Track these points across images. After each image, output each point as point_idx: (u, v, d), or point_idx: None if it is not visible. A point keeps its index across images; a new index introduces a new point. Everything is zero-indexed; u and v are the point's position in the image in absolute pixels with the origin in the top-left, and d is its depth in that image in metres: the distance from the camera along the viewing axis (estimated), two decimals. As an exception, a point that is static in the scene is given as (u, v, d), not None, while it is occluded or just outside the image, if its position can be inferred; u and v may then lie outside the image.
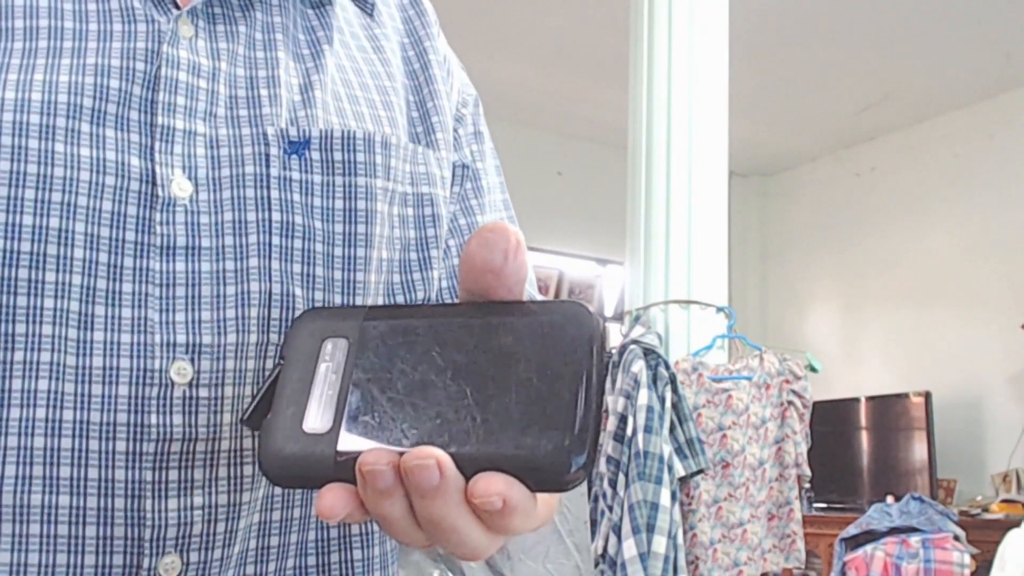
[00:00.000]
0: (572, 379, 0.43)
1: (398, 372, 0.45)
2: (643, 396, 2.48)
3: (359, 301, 0.62)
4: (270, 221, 0.59)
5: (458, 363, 0.44)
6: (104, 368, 0.54)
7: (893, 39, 4.80)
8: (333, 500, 0.42)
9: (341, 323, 0.48)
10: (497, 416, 0.42)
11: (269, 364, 0.58)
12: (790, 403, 2.79)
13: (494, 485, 0.41)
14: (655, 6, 3.18)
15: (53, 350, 0.54)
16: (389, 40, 0.71)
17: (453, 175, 0.71)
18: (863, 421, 5.49)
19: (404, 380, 0.45)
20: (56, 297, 0.54)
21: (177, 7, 0.60)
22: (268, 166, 0.59)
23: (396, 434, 0.43)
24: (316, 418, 0.45)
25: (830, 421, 5.20)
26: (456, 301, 0.49)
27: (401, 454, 0.41)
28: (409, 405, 0.44)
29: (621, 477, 2.49)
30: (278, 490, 0.59)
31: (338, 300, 0.61)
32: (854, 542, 3.68)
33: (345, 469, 0.43)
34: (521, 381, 0.43)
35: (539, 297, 0.75)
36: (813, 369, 2.89)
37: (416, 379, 0.44)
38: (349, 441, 0.44)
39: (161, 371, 0.55)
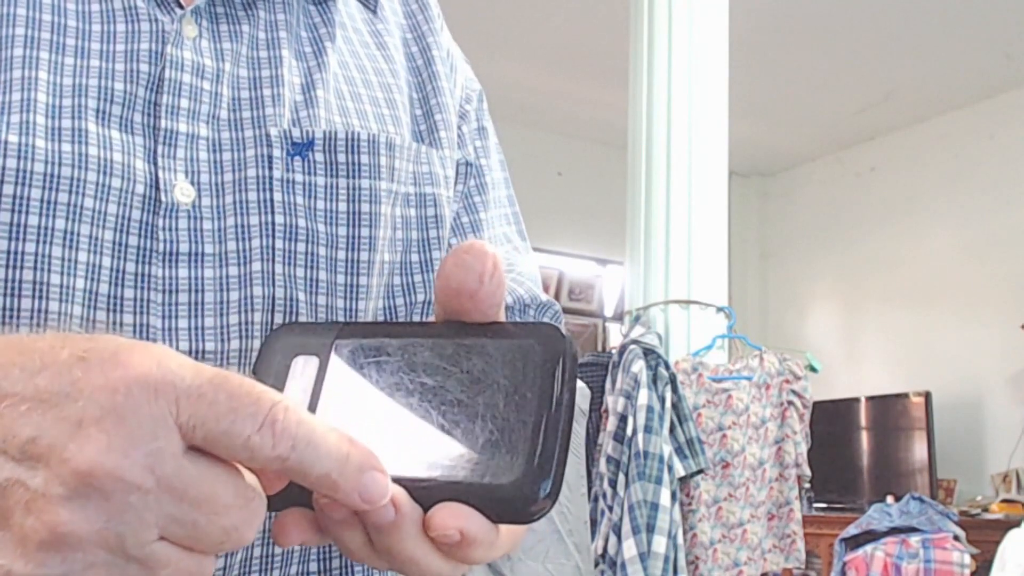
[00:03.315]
0: (539, 406, 0.41)
1: (366, 394, 0.44)
2: (643, 396, 2.48)
3: (361, 305, 0.61)
4: (273, 224, 0.58)
5: (426, 386, 0.43)
6: None
7: (893, 39, 4.80)
8: (289, 525, 0.41)
9: (313, 340, 0.46)
10: (462, 442, 0.41)
11: None
12: (790, 403, 2.79)
13: (451, 519, 0.39)
14: (655, 6, 3.18)
15: None
16: (392, 36, 0.70)
17: (456, 173, 0.70)
18: (863, 421, 5.49)
19: (371, 402, 0.44)
20: (60, 300, 0.53)
21: (180, 6, 0.59)
22: (271, 168, 0.59)
23: None
24: None
25: (830, 421, 5.20)
26: (432, 320, 0.48)
27: None
28: (375, 429, 0.43)
29: (621, 477, 2.48)
30: None
31: (340, 304, 0.60)
32: (854, 542, 3.67)
33: (306, 492, 0.41)
34: (488, 407, 0.42)
35: (543, 297, 0.74)
36: (813, 369, 2.89)
37: (384, 402, 0.43)
38: None
39: None
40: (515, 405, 0.41)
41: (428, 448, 0.41)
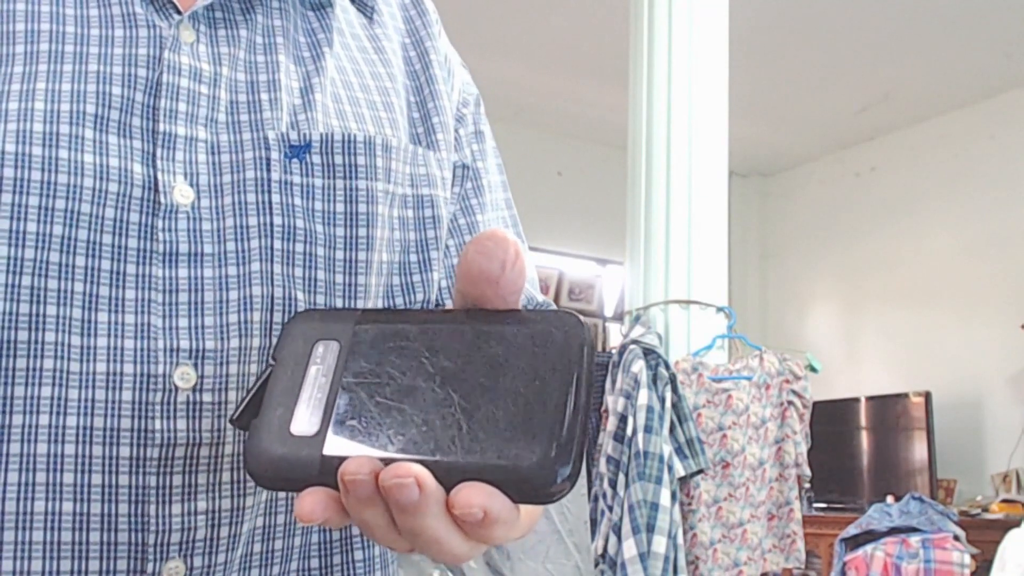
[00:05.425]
0: (560, 390, 0.42)
1: (387, 377, 0.45)
2: (643, 396, 2.48)
3: (360, 304, 0.62)
4: (271, 225, 0.59)
5: (447, 370, 0.44)
6: (108, 374, 0.54)
7: (893, 39, 4.80)
8: (313, 504, 0.42)
9: (333, 326, 0.47)
10: (483, 425, 0.42)
11: None
12: (790, 403, 2.79)
13: (475, 496, 0.40)
14: (655, 6, 3.18)
15: (56, 357, 0.54)
16: (390, 40, 0.71)
17: (453, 175, 0.71)
18: (863, 421, 5.49)
19: (393, 385, 0.44)
20: (59, 304, 0.54)
21: (178, 12, 0.59)
22: (269, 170, 0.59)
23: (382, 439, 0.43)
24: (304, 421, 0.45)
25: (830, 421, 5.20)
26: (450, 307, 0.49)
27: (386, 461, 0.41)
28: (396, 411, 0.44)
29: (621, 477, 2.49)
30: (282, 493, 0.60)
31: (339, 304, 0.61)
32: (854, 542, 3.67)
33: (330, 473, 0.42)
34: (509, 390, 0.43)
35: (540, 297, 0.75)
36: (813, 369, 2.89)
37: (405, 385, 0.44)
38: (335, 445, 0.44)
39: (165, 376, 0.55)
40: (535, 390, 0.43)
41: (450, 431, 0.42)
